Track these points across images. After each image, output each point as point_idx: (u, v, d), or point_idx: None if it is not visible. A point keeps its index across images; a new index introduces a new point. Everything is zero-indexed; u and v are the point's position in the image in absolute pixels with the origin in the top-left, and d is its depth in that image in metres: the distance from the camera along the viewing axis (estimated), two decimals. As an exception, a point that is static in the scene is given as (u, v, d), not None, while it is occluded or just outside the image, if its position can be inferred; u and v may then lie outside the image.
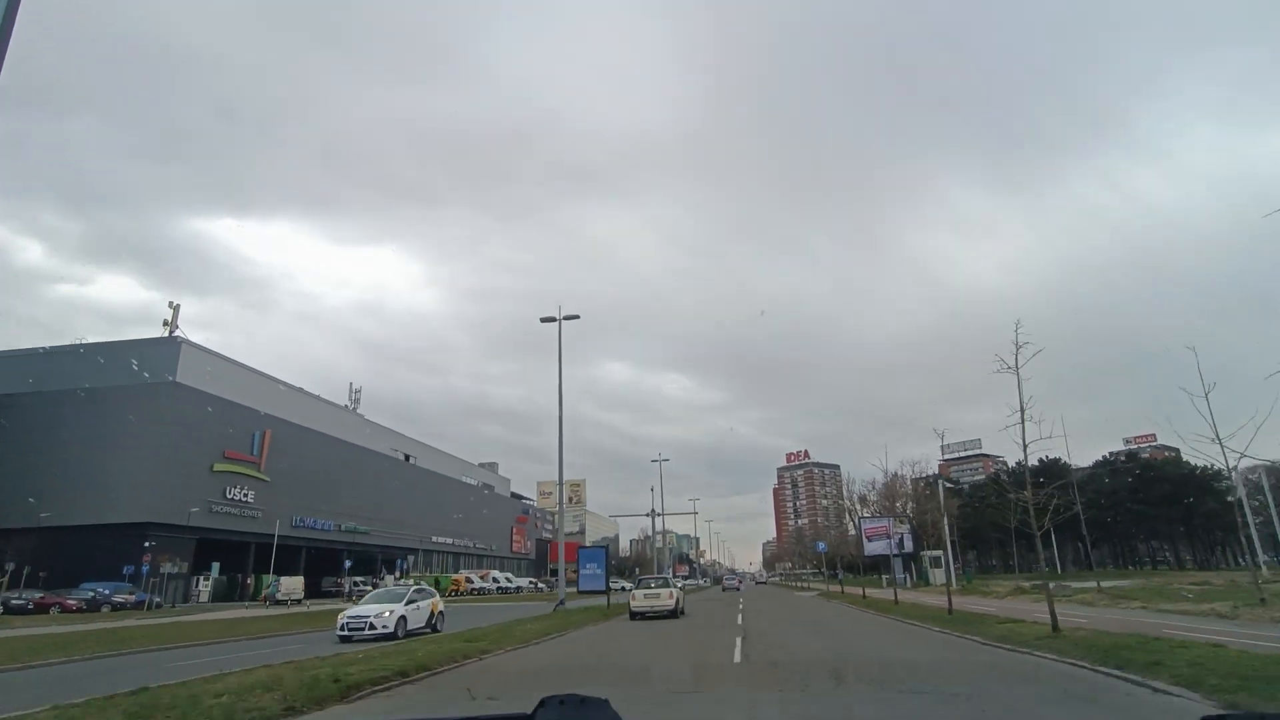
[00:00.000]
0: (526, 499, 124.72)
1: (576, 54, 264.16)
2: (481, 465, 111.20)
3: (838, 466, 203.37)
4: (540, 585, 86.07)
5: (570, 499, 35.54)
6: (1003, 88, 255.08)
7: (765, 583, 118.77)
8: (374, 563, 76.50)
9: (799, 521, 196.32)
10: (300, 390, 71.95)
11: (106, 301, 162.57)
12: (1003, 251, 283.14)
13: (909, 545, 55.03)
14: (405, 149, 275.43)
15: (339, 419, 76.74)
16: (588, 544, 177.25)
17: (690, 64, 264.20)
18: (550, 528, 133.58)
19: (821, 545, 50.28)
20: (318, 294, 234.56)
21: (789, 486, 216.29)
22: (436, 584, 64.65)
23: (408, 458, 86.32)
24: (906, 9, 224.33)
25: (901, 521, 55.66)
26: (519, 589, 73.64)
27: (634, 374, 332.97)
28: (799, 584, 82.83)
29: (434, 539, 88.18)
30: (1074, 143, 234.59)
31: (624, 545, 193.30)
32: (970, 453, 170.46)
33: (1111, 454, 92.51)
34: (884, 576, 53.98)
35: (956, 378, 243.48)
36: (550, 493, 35.84)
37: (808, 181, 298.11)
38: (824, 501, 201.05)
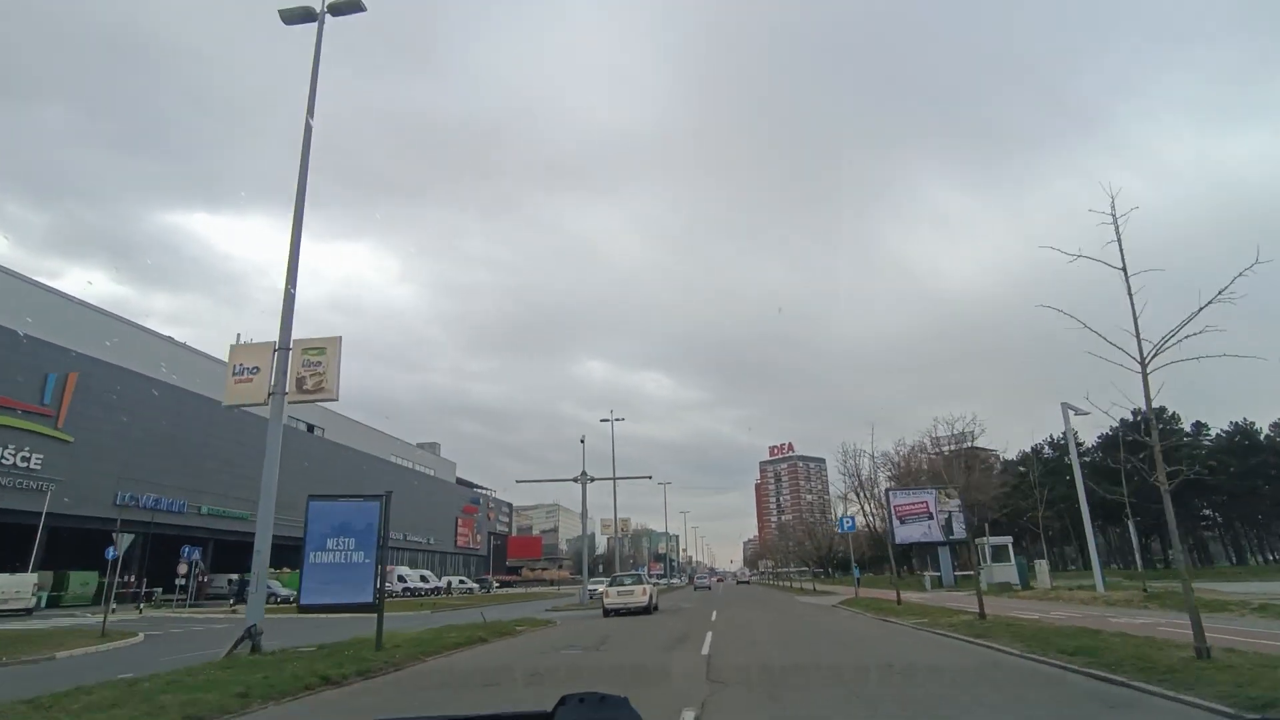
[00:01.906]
0: (480, 488, 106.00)
1: (558, 47, 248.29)
2: (420, 446, 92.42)
3: (823, 460, 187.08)
4: (473, 585, 67.69)
5: (304, 380, 12.57)
6: (983, 85, 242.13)
7: (748, 582, 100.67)
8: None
9: (782, 517, 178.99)
10: (147, 330, 53.32)
11: (76, 296, 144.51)
12: (982, 251, 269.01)
13: (958, 529, 37.38)
14: (381, 142, 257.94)
15: (211, 374, 57.89)
16: (562, 545, 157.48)
17: (674, 61, 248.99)
18: (505, 520, 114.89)
19: (848, 523, 32.20)
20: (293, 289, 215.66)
21: (771, 481, 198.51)
22: (241, 588, 45.53)
23: (311, 428, 67.60)
24: (890, 9, 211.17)
25: (949, 495, 37.87)
26: (435, 590, 55.30)
27: (614, 372, 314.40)
28: (791, 584, 64.77)
29: (347, 529, 69.45)
30: (1053, 141, 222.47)
31: (601, 543, 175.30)
32: (963, 445, 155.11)
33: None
34: (928, 575, 35.92)
35: (939, 376, 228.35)
36: (251, 371, 13.68)
37: (790, 180, 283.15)
38: (809, 496, 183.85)
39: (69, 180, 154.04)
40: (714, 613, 22.71)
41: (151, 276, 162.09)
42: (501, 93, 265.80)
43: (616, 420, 47.28)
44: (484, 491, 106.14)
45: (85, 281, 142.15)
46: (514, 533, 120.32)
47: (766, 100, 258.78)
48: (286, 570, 45.58)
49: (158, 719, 6.39)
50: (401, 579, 53.76)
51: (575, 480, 31.70)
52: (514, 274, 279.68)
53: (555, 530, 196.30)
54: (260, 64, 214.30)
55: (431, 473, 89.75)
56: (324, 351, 13.18)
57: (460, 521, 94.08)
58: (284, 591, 41.29)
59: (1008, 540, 35.27)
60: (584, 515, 32.52)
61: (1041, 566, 25.88)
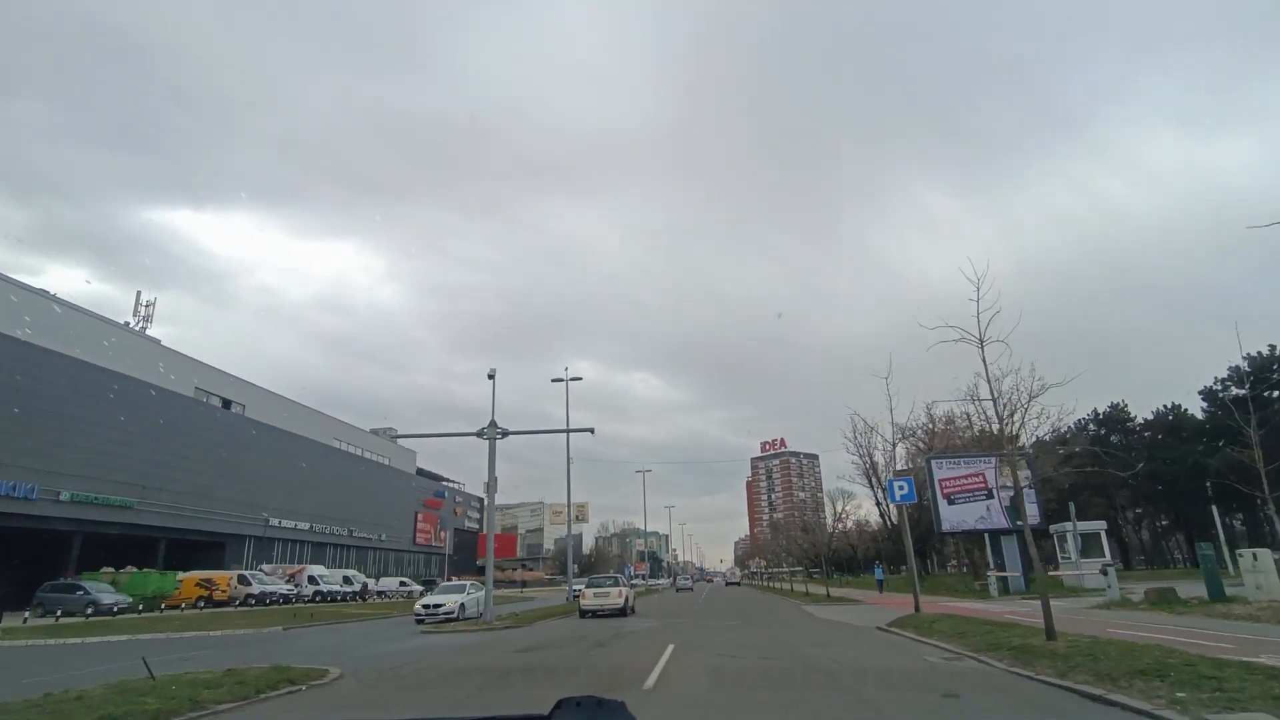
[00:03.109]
0: (447, 480, 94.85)
1: (544, 46, 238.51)
2: (374, 431, 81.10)
3: (816, 456, 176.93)
4: (416, 588, 56.38)
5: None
6: (969, 89, 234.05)
7: (738, 583, 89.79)
8: (151, 551, 46.94)
9: (774, 515, 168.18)
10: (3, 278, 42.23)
11: (58, 294, 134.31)
12: (968, 253, 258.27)
13: (1033, 514, 26.42)
14: (367, 141, 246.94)
15: (90, 333, 46.84)
16: (547, 544, 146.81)
17: (661, 61, 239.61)
18: (476, 516, 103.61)
19: (902, 489, 20.19)
20: (279, 288, 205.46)
21: (763, 478, 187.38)
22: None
23: (227, 404, 56.33)
24: (877, 14, 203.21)
25: (1013, 465, 26.92)
26: (352, 595, 44.12)
27: (602, 373, 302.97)
28: (790, 586, 53.67)
29: (274, 521, 58.08)
30: (1038, 146, 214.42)
31: (589, 543, 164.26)
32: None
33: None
34: (994, 577, 24.51)
35: (925, 378, 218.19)
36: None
37: (777, 182, 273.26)
38: (802, 494, 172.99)
39: (47, 176, 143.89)
40: (668, 649, 11.76)
41: (133, 274, 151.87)
42: (489, 92, 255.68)
43: (572, 380, 36.63)
44: (451, 485, 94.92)
45: (83, 280, 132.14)
46: (485, 529, 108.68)
47: (755, 104, 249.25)
48: (130, 569, 34.16)
49: None
50: (314, 579, 42.69)
51: (480, 435, 20.94)
52: (502, 275, 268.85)
53: (540, 530, 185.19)
54: (244, 61, 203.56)
55: (386, 461, 78.50)
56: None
57: (420, 516, 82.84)
58: (109, 598, 29.97)
59: (1100, 527, 24.49)
60: (490, 485, 21.44)
61: (1263, 560, 14.86)
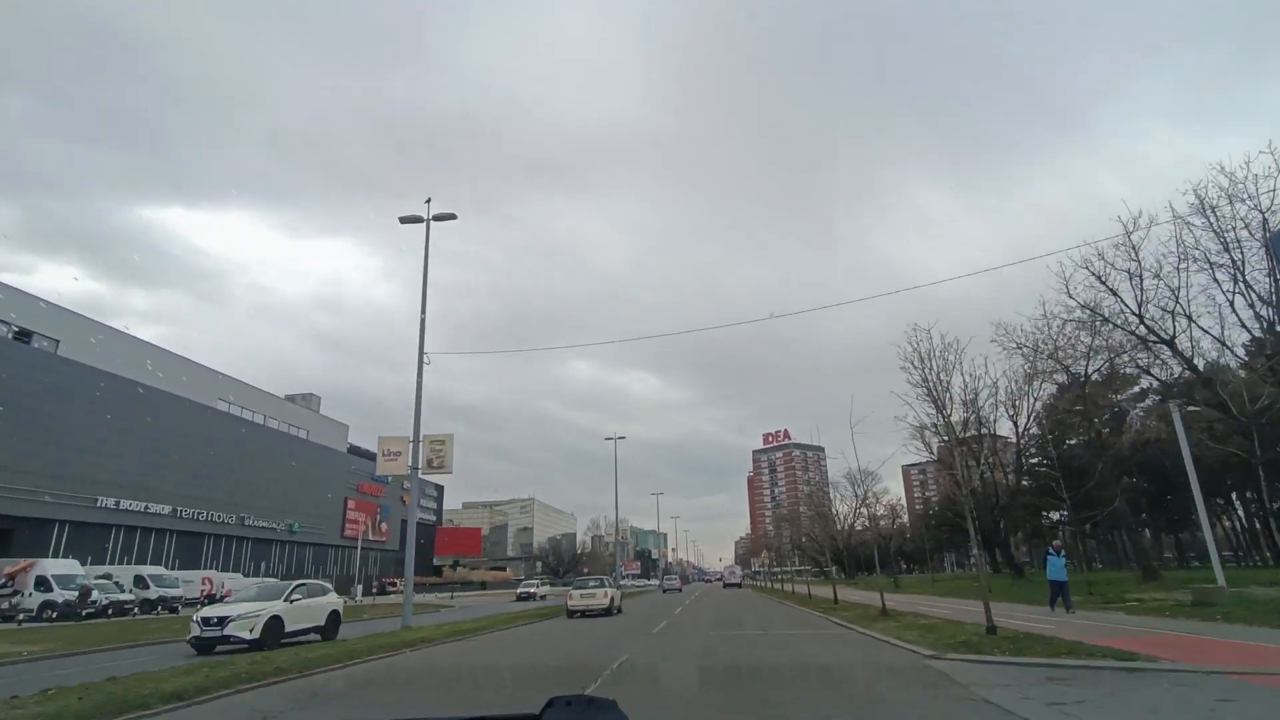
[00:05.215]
0: (396, 463, 77.12)
1: (541, 44, 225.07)
2: (291, 398, 63.85)
3: (822, 449, 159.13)
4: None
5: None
6: (966, 88, 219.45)
7: (739, 584, 72.07)
8: None
9: (778, 511, 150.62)
10: None
11: (49, 293, 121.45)
12: (965, 252, 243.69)
13: None
14: (361, 137, 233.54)
15: None
16: (534, 543, 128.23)
17: (658, 60, 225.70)
18: (431, 505, 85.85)
19: None
20: (274, 287, 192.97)
21: (766, 471, 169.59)
22: None
23: (26, 335, 39.20)
24: (874, 13, 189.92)
25: None
26: (130, 606, 26.78)
27: (600, 372, 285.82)
28: (832, 592, 35.87)
29: (107, 502, 40.87)
30: (1034, 144, 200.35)
31: (581, 541, 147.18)
32: (972, 433, 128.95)
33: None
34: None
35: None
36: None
37: (775, 182, 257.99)
38: (806, 488, 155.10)
39: (36, 173, 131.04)
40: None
41: (127, 273, 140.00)
42: (485, 89, 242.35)
43: (441, 219, 19.56)
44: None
45: (71, 278, 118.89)
46: (444, 522, 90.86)
47: (753, 103, 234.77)
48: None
49: None
50: (45, 582, 25.38)
51: None
52: (499, 273, 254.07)
53: (530, 529, 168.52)
54: (235, 57, 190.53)
55: (304, 434, 61.32)
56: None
57: (352, 504, 65.51)
58: None
59: None
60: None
61: None
